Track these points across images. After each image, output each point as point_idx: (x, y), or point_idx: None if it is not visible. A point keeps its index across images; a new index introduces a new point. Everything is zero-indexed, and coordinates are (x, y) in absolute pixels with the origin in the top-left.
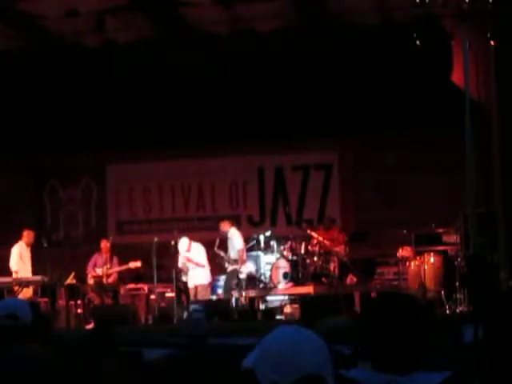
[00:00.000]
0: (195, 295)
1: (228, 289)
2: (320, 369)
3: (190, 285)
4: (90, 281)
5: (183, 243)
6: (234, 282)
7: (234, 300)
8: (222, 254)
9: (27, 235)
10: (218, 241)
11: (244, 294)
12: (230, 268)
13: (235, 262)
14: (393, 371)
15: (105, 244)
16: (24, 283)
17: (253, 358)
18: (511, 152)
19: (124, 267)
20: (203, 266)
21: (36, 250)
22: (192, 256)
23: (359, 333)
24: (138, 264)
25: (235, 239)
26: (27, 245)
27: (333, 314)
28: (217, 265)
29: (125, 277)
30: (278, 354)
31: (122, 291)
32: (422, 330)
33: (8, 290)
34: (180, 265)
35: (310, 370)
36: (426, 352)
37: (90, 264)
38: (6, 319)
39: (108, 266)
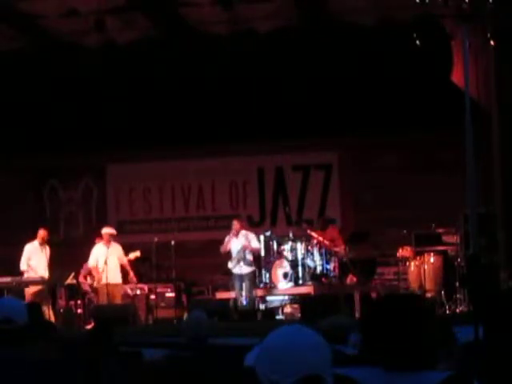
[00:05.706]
0: (109, 294)
1: (252, 291)
2: (321, 369)
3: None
4: (87, 281)
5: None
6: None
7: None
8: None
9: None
10: (227, 238)
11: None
12: (246, 270)
13: (250, 263)
14: (393, 369)
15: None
16: (24, 283)
17: (254, 357)
18: (511, 152)
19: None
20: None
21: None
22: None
23: (361, 333)
24: (138, 253)
25: (254, 239)
26: (40, 243)
27: (333, 314)
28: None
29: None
30: (279, 354)
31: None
32: (422, 329)
33: (8, 289)
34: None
35: (311, 371)
36: (429, 352)
37: (84, 267)
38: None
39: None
